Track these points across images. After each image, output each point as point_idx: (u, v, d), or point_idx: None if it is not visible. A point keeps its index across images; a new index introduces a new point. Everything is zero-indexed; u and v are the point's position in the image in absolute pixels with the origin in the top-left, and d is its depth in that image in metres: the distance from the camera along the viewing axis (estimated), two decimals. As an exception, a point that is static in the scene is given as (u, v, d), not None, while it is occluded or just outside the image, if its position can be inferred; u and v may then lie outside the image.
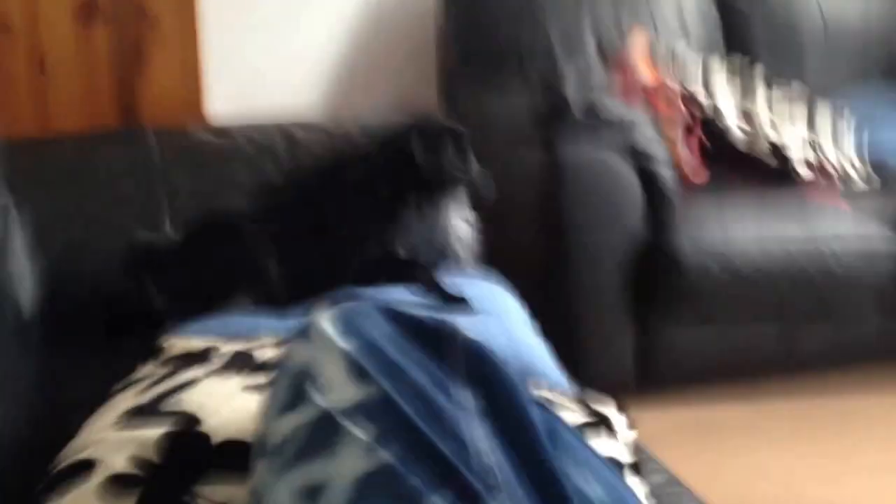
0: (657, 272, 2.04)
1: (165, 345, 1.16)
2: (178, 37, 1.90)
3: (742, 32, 2.67)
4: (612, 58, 2.44)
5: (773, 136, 2.30)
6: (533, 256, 2.09)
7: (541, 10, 2.45)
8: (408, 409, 0.73)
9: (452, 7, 2.48)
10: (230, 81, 2.37)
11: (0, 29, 1.83)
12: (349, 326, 0.77)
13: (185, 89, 1.93)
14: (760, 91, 2.43)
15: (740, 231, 2.11)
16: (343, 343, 0.75)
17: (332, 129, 1.78)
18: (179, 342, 1.16)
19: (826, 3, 2.73)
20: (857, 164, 2.40)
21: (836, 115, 2.46)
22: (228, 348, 1.11)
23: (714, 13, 2.68)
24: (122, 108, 1.92)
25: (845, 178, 2.32)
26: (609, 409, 1.11)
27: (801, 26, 2.70)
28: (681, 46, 2.47)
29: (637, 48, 2.41)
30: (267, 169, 1.66)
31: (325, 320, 0.77)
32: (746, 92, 2.42)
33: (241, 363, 1.05)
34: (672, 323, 2.11)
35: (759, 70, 2.47)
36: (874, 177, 2.41)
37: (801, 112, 2.44)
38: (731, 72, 2.44)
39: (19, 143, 1.73)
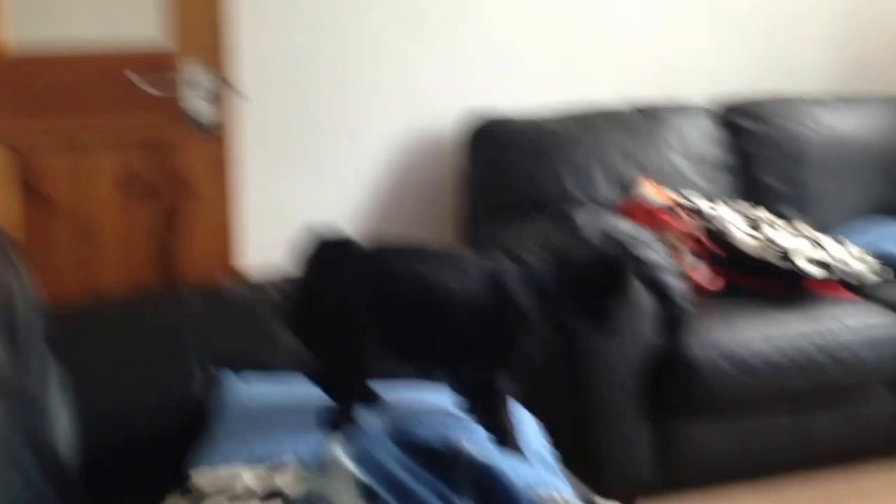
0: (672, 375, 2.10)
1: (192, 474, 1.23)
2: (214, 201, 2.05)
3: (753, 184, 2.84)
4: (622, 190, 2.60)
5: (780, 240, 2.38)
6: (550, 367, 2.16)
7: (556, 159, 2.65)
8: None
9: (475, 158, 2.68)
10: (264, 234, 2.54)
11: (47, 203, 2.01)
12: (361, 454, 0.85)
13: (220, 248, 2.07)
14: (764, 212, 2.56)
15: (751, 330, 2.19)
16: (356, 471, 0.84)
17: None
18: (205, 473, 1.23)
19: (835, 148, 2.91)
20: (863, 256, 2.47)
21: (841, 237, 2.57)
22: (250, 475, 1.18)
23: (726, 159, 2.85)
24: (160, 269, 2.06)
25: (851, 272, 2.38)
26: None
27: (810, 168, 2.87)
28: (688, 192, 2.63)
29: (646, 184, 2.57)
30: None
31: (339, 449, 0.86)
32: (750, 211, 2.56)
33: (262, 489, 1.12)
34: (688, 422, 2.16)
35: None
36: (880, 267, 2.47)
37: (804, 226, 2.55)
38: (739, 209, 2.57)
39: (61, 306, 1.88)
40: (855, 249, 2.49)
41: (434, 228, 2.84)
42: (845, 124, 2.97)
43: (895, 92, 3.14)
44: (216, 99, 2.01)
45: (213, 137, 2.03)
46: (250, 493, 1.11)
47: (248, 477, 1.17)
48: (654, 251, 2.15)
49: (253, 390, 1.53)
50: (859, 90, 3.16)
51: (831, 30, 3.21)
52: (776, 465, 2.28)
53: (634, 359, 2.10)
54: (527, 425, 1.45)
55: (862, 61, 3.27)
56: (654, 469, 2.16)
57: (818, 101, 3.02)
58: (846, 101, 3.05)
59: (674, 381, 2.12)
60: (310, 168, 2.74)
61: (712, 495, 2.24)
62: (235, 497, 1.10)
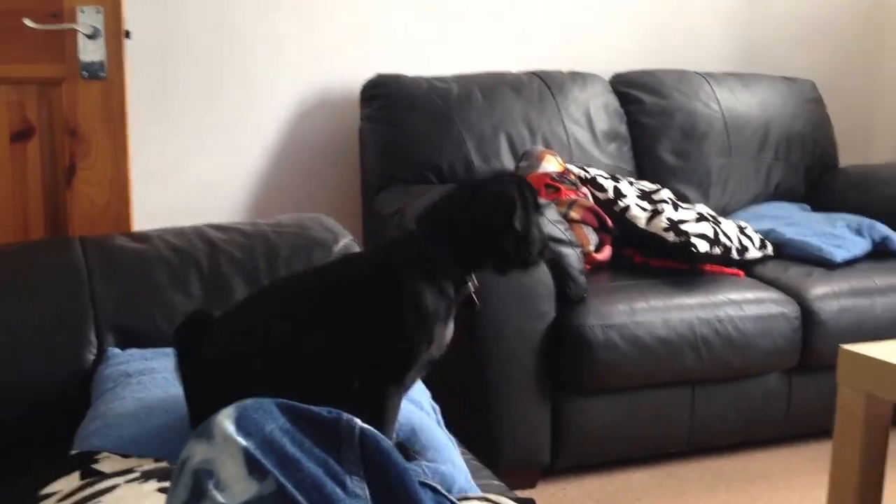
0: (566, 348, 2.13)
1: (100, 458, 1.20)
2: (109, 155, 1.99)
3: (651, 159, 2.92)
4: (522, 156, 2.62)
5: (671, 213, 2.45)
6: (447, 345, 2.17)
7: (458, 126, 2.64)
8: (304, 500, 0.80)
9: (374, 126, 2.64)
10: (158, 196, 2.45)
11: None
12: (247, 422, 0.83)
13: (115, 203, 2.00)
14: (667, 193, 2.63)
15: (642, 303, 2.22)
16: (241, 439, 0.81)
17: (248, 230, 1.82)
18: (115, 459, 1.19)
19: (733, 128, 3.00)
20: (752, 234, 2.57)
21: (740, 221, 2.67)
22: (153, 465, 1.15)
23: (624, 132, 2.91)
24: (52, 222, 1.99)
25: (740, 248, 2.48)
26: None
27: (709, 150, 2.97)
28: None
29: (545, 151, 2.59)
30: (188, 271, 1.72)
31: (224, 417, 0.83)
32: (651, 190, 2.63)
33: (161, 471, 1.11)
34: (582, 396, 2.19)
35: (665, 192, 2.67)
36: (768, 244, 2.59)
37: (704, 207, 2.64)
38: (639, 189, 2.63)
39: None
40: (752, 233, 2.58)
41: (335, 195, 2.80)
42: (741, 103, 3.07)
43: (786, 73, 3.26)
44: (108, 41, 1.95)
45: (105, 81, 1.97)
46: (148, 475, 1.08)
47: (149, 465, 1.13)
48: (550, 219, 2.17)
49: (140, 365, 1.48)
50: (751, 71, 3.26)
51: (726, 9, 3.30)
52: (668, 437, 2.34)
53: (532, 334, 2.11)
54: (421, 398, 1.46)
55: (754, 42, 3.37)
56: (550, 443, 2.19)
57: (714, 77, 3.11)
58: (741, 78, 3.15)
59: (567, 357, 2.14)
60: (202, 125, 2.65)
61: (608, 476, 2.29)
62: (134, 479, 1.07)
